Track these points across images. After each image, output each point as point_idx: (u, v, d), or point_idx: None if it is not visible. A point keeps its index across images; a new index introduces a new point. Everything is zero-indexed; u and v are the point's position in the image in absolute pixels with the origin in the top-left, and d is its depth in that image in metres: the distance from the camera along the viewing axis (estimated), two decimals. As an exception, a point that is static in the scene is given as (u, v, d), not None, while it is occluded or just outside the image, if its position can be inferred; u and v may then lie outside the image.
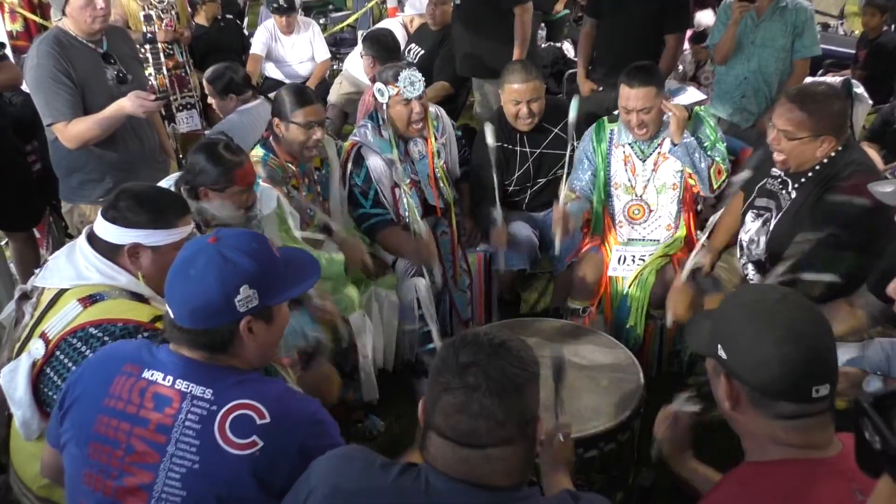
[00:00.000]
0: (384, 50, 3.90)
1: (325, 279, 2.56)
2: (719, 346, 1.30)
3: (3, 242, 3.58)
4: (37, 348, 1.73)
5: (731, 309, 1.34)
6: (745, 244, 2.69)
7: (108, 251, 1.81)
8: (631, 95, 2.84)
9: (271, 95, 3.99)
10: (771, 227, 2.55)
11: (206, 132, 4.12)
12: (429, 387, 1.22)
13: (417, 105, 2.93)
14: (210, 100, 3.77)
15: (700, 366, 2.88)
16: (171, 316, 1.43)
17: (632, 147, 3.03)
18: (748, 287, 1.53)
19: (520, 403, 1.19)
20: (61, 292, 1.79)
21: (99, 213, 1.85)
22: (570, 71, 5.36)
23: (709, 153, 2.90)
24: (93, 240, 1.84)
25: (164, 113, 4.32)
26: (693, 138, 2.87)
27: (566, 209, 2.89)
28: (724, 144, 2.98)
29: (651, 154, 3.01)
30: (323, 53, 5.47)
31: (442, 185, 3.16)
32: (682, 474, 1.75)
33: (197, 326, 1.40)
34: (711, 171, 2.89)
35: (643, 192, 3.05)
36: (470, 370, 1.17)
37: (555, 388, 1.76)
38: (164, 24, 4.51)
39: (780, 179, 2.54)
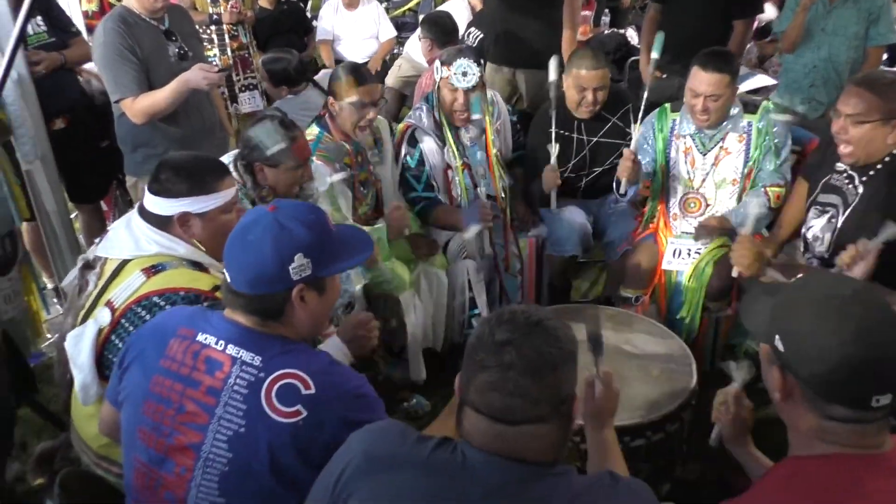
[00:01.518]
0: (442, 33, 3.89)
1: None
2: (777, 336, 1.24)
3: (73, 216, 3.72)
4: (103, 316, 1.79)
5: (797, 300, 1.25)
6: (808, 240, 2.60)
7: (161, 223, 1.86)
8: (703, 79, 2.75)
9: (317, 78, 4.07)
10: (839, 225, 2.45)
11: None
12: (465, 362, 1.23)
13: (462, 96, 2.91)
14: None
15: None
16: (228, 280, 1.47)
17: (693, 139, 2.95)
18: (818, 277, 1.41)
19: (555, 382, 1.18)
20: (124, 262, 1.85)
21: (146, 187, 1.91)
22: (633, 58, 5.26)
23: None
24: (144, 214, 1.89)
25: (226, 93, 4.42)
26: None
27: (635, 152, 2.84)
28: (788, 163, 2.90)
29: (712, 148, 2.92)
30: (388, 31, 5.48)
31: (498, 171, 3.14)
32: (739, 459, 1.70)
33: (252, 292, 1.44)
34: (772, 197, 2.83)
35: (701, 186, 2.98)
36: (505, 349, 1.17)
37: (595, 362, 1.72)
38: (229, 6, 4.59)
39: (845, 174, 2.44)
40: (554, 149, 3.00)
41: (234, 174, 2.38)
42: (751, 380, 1.72)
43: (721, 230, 2.85)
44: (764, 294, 1.36)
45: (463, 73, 2.87)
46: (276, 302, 1.46)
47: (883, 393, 1.15)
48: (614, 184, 2.96)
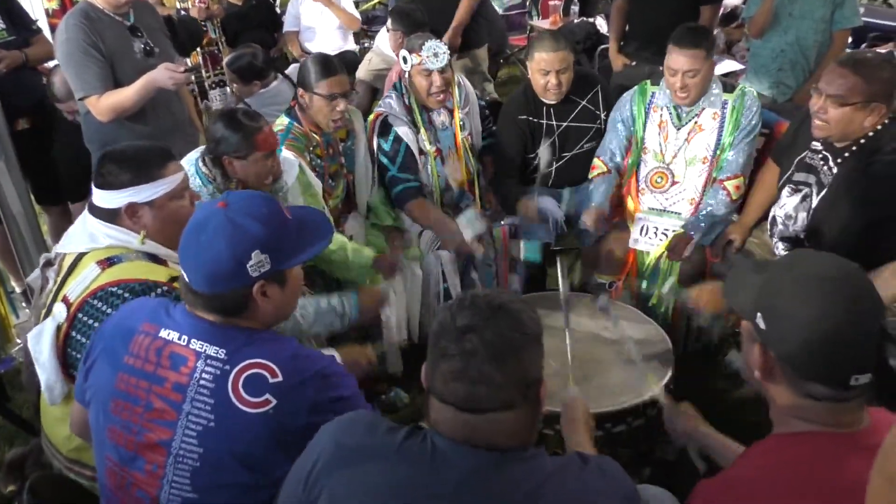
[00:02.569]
0: (412, 24, 3.86)
1: (349, 268, 2.59)
2: (759, 314, 1.23)
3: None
4: (59, 312, 1.76)
5: (783, 280, 1.24)
6: (779, 219, 2.62)
7: (110, 217, 1.82)
8: (680, 56, 2.75)
9: (288, 72, 4.04)
10: (813, 204, 2.47)
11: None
12: (429, 350, 1.20)
13: (438, 78, 2.90)
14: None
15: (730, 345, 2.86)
16: (186, 280, 1.44)
17: (669, 112, 2.95)
18: (806, 256, 1.40)
19: (519, 367, 1.16)
20: (80, 256, 1.82)
21: (91, 183, 1.87)
22: (603, 46, 5.28)
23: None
24: (94, 210, 1.85)
25: (196, 90, 4.37)
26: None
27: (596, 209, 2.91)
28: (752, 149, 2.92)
29: (687, 123, 2.93)
30: (353, 12, 5.48)
31: (467, 156, 3.13)
32: (706, 448, 1.72)
33: (210, 291, 1.42)
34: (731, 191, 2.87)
35: (671, 161, 2.98)
36: (467, 336, 1.14)
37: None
38: (197, 2, 4.54)
39: (820, 154, 2.46)
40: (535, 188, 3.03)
41: (204, 169, 2.36)
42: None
43: (690, 247, 2.88)
44: (750, 271, 1.34)
45: (434, 54, 2.87)
46: (237, 300, 1.43)
47: (862, 372, 1.16)
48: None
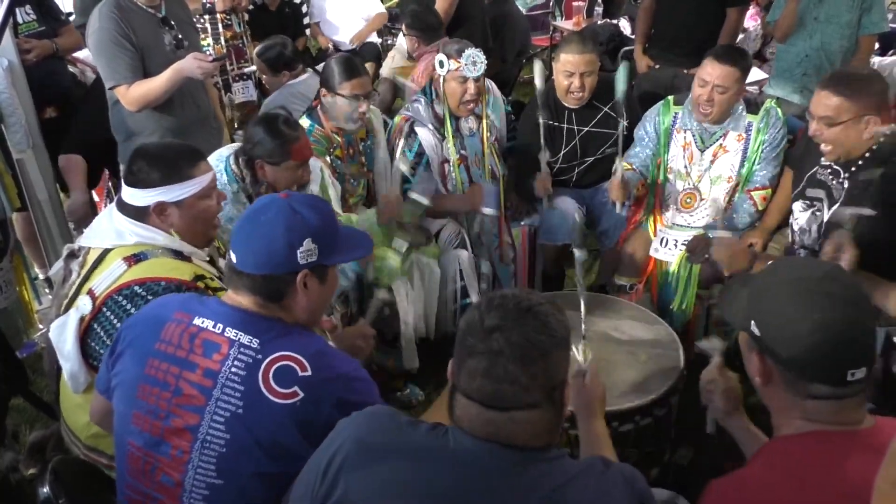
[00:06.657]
0: (427, 28, 3.85)
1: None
2: (753, 322, 1.27)
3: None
4: (84, 304, 1.79)
5: (769, 285, 1.29)
6: (795, 231, 2.62)
7: (138, 214, 1.85)
8: (715, 69, 2.76)
9: (319, 67, 4.06)
10: (824, 219, 2.47)
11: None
12: (456, 347, 1.22)
13: (473, 86, 2.90)
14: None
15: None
16: (234, 261, 1.49)
17: (693, 134, 2.95)
18: (788, 262, 1.44)
19: (545, 369, 1.16)
20: (107, 251, 1.85)
21: (122, 179, 1.90)
22: (626, 48, 5.25)
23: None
24: (122, 207, 1.88)
25: (219, 83, 4.40)
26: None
27: (623, 176, 2.86)
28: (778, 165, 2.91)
29: (711, 145, 2.93)
30: (377, 7, 5.48)
31: (494, 160, 3.14)
32: (735, 435, 1.67)
33: (258, 272, 1.47)
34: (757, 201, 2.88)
35: (698, 181, 2.98)
36: (494, 335, 1.15)
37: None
38: (221, -7, 4.56)
39: (830, 169, 2.46)
40: (544, 155, 3.00)
41: (234, 168, 2.39)
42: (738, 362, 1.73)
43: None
44: (739, 285, 1.39)
45: (473, 62, 2.87)
46: (280, 285, 1.48)
47: (857, 367, 1.19)
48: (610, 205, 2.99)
